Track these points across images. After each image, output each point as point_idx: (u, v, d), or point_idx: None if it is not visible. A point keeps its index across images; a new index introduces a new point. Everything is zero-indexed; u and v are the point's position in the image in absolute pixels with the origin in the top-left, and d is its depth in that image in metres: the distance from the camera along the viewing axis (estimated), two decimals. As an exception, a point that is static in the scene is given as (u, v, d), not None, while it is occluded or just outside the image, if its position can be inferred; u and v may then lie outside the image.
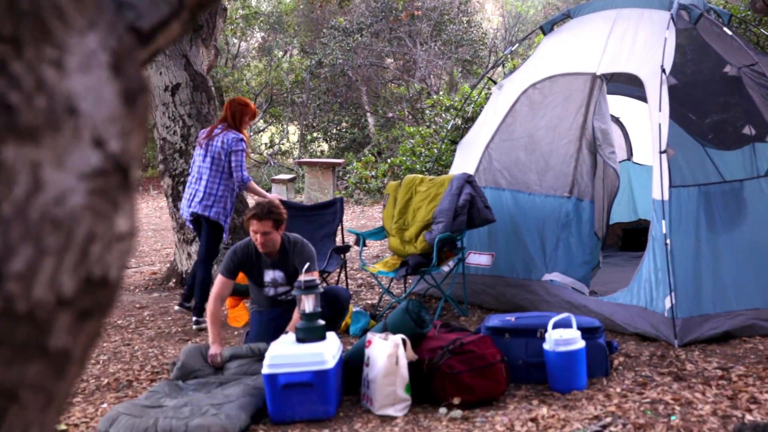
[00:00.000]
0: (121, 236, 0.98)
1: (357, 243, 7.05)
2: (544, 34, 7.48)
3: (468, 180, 6.51)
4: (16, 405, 0.90)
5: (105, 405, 4.99)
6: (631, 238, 8.69)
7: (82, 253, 0.93)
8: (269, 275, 5.54)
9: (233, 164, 6.81)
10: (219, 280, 5.49)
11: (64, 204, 0.90)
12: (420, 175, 7.10)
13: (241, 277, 5.69)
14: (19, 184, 0.88)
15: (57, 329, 0.92)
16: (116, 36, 0.99)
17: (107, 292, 0.98)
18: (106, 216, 0.95)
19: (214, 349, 5.27)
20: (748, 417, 4.10)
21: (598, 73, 6.52)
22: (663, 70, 5.85)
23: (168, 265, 9.26)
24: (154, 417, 4.41)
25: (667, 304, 5.42)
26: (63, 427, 4.60)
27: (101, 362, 5.94)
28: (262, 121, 22.05)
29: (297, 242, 5.50)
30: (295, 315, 5.21)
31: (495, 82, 7.71)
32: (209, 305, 5.44)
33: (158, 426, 4.32)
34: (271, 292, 5.60)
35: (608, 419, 4.17)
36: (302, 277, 4.94)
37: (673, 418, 4.12)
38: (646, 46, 6.25)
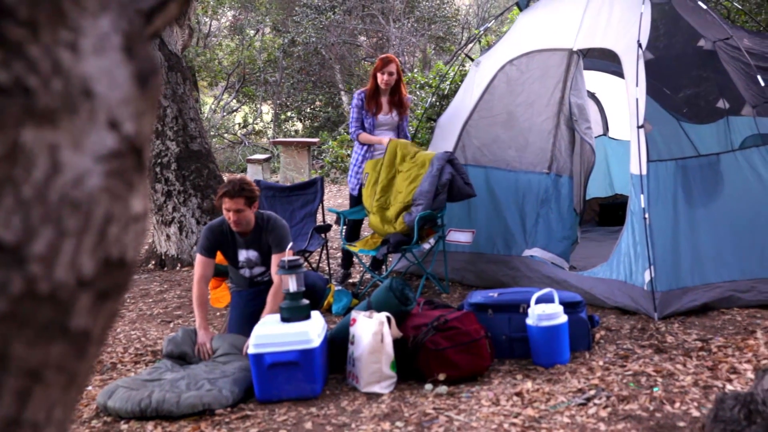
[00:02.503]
0: (136, 217, 0.99)
1: (337, 222, 7.05)
2: (521, 9, 7.49)
3: (449, 159, 6.49)
4: (41, 385, 0.91)
5: (90, 388, 4.99)
6: (607, 213, 8.76)
7: (100, 235, 0.93)
8: (243, 255, 5.50)
9: None
10: (199, 261, 5.40)
11: (82, 186, 0.91)
12: (405, 146, 6.97)
13: (222, 258, 5.67)
14: (38, 167, 0.88)
15: (78, 310, 0.93)
16: (127, 18, 0.99)
17: (124, 272, 0.99)
18: (123, 197, 0.96)
19: (201, 337, 5.21)
20: (729, 387, 4.18)
21: (575, 49, 6.55)
22: (639, 45, 5.88)
23: (146, 247, 9.23)
24: (150, 390, 4.50)
25: (647, 278, 5.49)
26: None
27: (83, 345, 5.92)
28: (235, 100, 21.91)
29: (270, 219, 5.42)
30: (269, 302, 5.20)
31: (472, 59, 7.71)
32: (194, 288, 5.36)
33: (152, 398, 4.41)
34: (247, 273, 5.56)
35: (592, 392, 4.23)
36: (285, 257, 4.95)
37: (655, 389, 4.19)
38: (622, 20, 6.29)
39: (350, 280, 7.24)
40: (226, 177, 9.50)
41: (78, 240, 0.91)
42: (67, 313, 0.92)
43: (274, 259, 5.27)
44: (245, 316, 5.39)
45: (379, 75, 6.99)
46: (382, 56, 7.18)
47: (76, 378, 0.97)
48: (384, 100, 7.06)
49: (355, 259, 7.34)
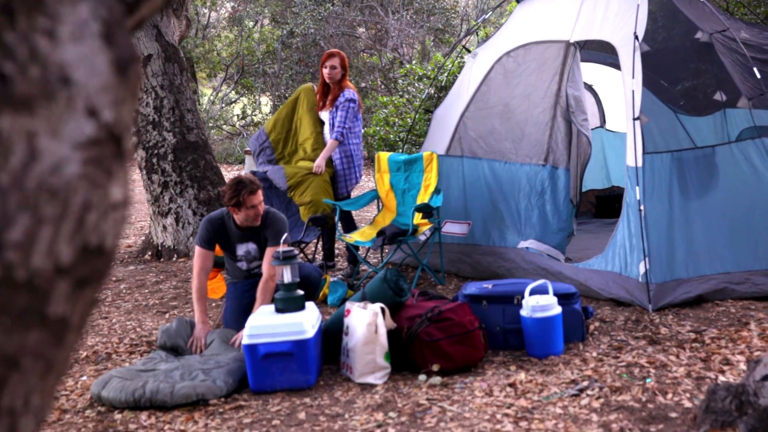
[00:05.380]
0: (115, 205, 0.99)
1: (333, 213, 7.06)
2: (518, 1, 7.48)
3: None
4: (17, 372, 0.91)
5: (84, 378, 5.00)
6: (604, 205, 8.76)
7: (78, 222, 0.94)
8: (242, 248, 5.52)
9: None
10: (198, 253, 5.42)
11: (59, 173, 0.91)
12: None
13: (218, 249, 5.67)
14: (16, 154, 0.88)
15: (55, 297, 0.93)
16: (107, 5, 0.99)
17: (103, 260, 0.99)
18: (101, 185, 0.96)
19: (198, 331, 5.23)
20: (722, 378, 4.18)
21: (572, 41, 6.54)
22: (636, 37, 5.88)
23: (143, 238, 9.23)
24: (144, 380, 4.51)
25: (642, 270, 5.49)
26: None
27: (79, 336, 5.92)
28: (233, 92, 21.87)
29: (270, 213, 5.48)
30: (258, 296, 5.21)
31: (469, 51, 7.70)
32: (194, 280, 5.39)
33: (146, 388, 4.42)
34: (244, 266, 5.57)
35: (585, 383, 4.23)
36: (280, 248, 4.95)
37: (648, 380, 4.19)
38: (619, 13, 6.27)
39: (343, 272, 7.23)
40: (223, 168, 9.50)
41: (55, 227, 0.91)
42: (44, 300, 0.92)
43: (268, 252, 5.29)
44: (240, 308, 5.40)
45: (323, 69, 7.18)
46: (327, 51, 7.36)
47: (54, 365, 0.97)
48: (330, 96, 7.23)
49: (346, 250, 7.36)
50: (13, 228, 0.87)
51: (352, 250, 6.99)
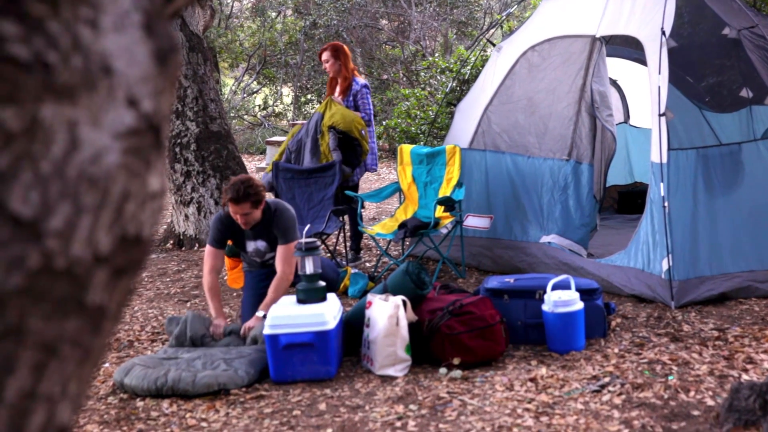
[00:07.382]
0: (153, 195, 1.00)
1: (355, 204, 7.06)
2: (543, -5, 7.44)
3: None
4: (56, 359, 0.92)
5: (107, 365, 5.04)
6: (627, 201, 8.71)
7: (117, 211, 0.94)
8: (251, 245, 5.49)
9: None
10: (209, 252, 5.36)
11: (100, 162, 0.92)
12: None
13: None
14: (57, 143, 0.89)
15: (94, 286, 0.93)
16: (148, -4, 0.99)
17: (140, 249, 1.00)
18: (140, 175, 0.97)
19: (218, 322, 5.19)
20: (745, 377, 4.16)
21: (598, 36, 6.50)
22: (663, 33, 5.83)
23: (165, 226, 9.27)
24: (166, 368, 4.53)
25: (665, 266, 5.46)
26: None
27: (101, 323, 5.97)
28: (255, 82, 21.91)
29: (277, 210, 5.36)
30: (269, 293, 5.18)
31: (493, 44, 7.67)
32: (205, 279, 5.33)
33: (168, 376, 4.44)
34: (257, 259, 5.57)
35: (606, 379, 4.22)
36: (302, 239, 4.96)
37: (670, 378, 4.18)
38: (646, 8, 6.23)
39: (366, 263, 7.24)
40: (244, 158, 9.52)
41: (95, 216, 0.91)
42: (83, 288, 0.92)
43: (279, 250, 5.27)
44: (256, 297, 5.39)
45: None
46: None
47: (91, 353, 0.97)
48: (340, 87, 7.46)
49: (371, 243, 7.36)
50: (54, 216, 0.88)
51: (374, 240, 6.99)
